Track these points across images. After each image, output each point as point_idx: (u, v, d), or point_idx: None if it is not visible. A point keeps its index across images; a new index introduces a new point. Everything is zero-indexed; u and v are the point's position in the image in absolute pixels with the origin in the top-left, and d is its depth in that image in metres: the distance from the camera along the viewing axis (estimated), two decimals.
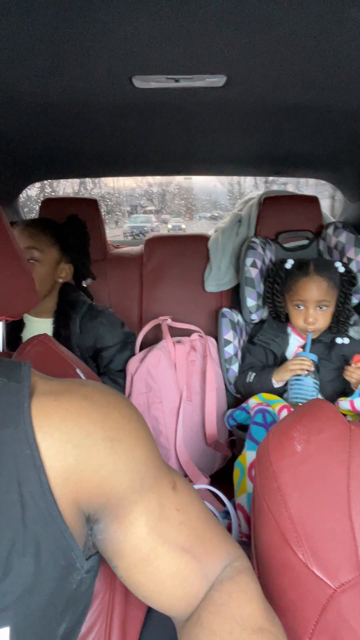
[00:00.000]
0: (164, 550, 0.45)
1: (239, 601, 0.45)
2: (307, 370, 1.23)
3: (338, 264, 1.35)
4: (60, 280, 1.34)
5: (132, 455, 0.44)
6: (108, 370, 1.39)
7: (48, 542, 0.39)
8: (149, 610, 0.60)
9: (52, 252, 1.29)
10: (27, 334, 1.34)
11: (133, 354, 1.44)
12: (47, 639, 0.42)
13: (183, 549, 0.46)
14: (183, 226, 4.91)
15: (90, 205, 1.68)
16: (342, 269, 1.34)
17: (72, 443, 0.41)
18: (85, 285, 1.45)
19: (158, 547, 0.45)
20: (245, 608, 0.45)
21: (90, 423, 0.42)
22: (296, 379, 1.24)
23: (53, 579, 0.40)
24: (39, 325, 1.33)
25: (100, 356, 1.38)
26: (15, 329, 1.34)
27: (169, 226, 5.04)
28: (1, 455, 0.39)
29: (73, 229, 1.36)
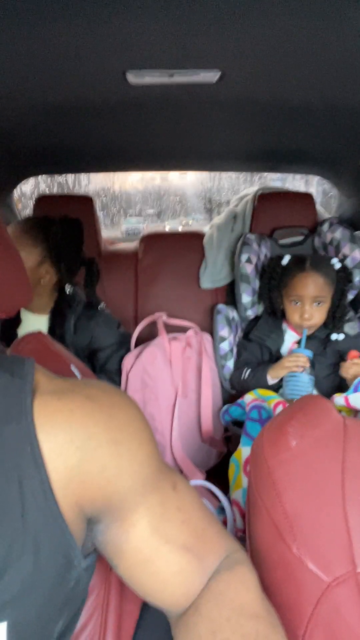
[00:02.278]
0: (166, 550, 0.45)
1: (237, 590, 0.46)
2: (303, 367, 1.23)
3: (334, 261, 1.35)
4: (43, 282, 1.28)
5: (136, 457, 0.44)
6: (104, 370, 1.39)
7: (47, 540, 0.39)
8: (144, 604, 0.61)
9: (34, 253, 1.25)
10: (22, 330, 1.34)
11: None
12: (45, 636, 0.42)
13: (185, 548, 0.46)
14: (180, 228, 4.99)
15: (86, 202, 1.67)
16: (338, 266, 1.35)
17: (76, 445, 0.40)
18: (67, 292, 1.34)
19: (160, 547, 0.45)
20: (242, 597, 0.45)
21: (94, 424, 0.42)
22: (292, 375, 1.24)
23: (51, 576, 0.40)
24: (36, 322, 1.33)
25: (96, 357, 1.37)
26: (11, 325, 1.33)
27: (167, 228, 5.12)
28: (2, 451, 0.39)
29: (63, 231, 1.29)
